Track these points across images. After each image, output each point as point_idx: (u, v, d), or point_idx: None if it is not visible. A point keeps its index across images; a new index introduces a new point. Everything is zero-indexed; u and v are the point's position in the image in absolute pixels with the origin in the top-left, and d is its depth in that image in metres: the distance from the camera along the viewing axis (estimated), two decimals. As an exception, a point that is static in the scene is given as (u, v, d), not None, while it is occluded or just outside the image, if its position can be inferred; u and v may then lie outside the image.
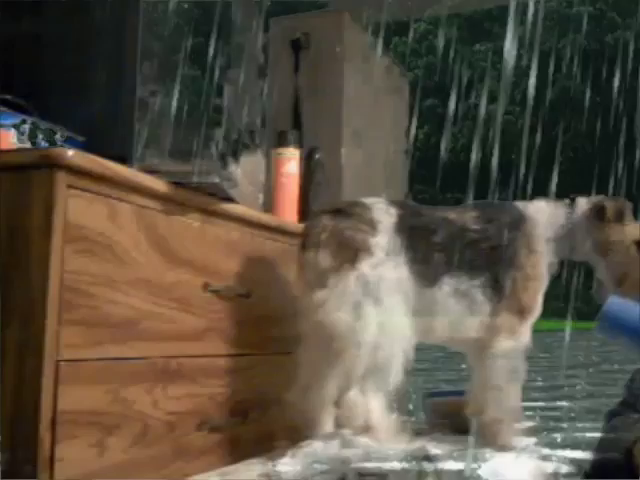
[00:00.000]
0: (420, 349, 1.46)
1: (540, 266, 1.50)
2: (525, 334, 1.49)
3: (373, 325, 1.35)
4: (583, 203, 1.57)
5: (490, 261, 1.47)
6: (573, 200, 1.58)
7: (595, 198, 1.59)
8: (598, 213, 1.55)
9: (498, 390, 1.47)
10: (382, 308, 1.37)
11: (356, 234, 1.38)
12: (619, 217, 1.55)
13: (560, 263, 1.57)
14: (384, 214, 1.42)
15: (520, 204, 1.56)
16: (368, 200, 1.46)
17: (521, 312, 1.48)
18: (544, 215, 1.54)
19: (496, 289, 1.47)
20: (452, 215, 1.49)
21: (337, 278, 1.36)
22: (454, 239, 1.45)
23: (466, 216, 1.49)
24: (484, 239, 1.47)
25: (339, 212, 1.41)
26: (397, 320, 1.38)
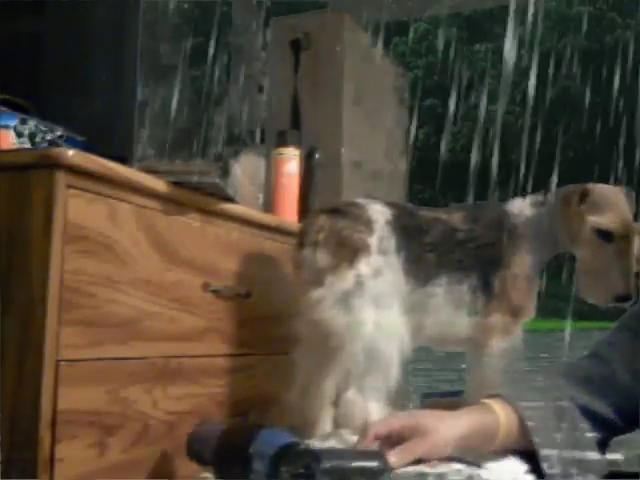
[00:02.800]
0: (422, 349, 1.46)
1: (529, 265, 1.49)
2: (518, 334, 1.49)
3: (370, 324, 1.35)
4: (555, 194, 1.53)
5: (479, 261, 1.47)
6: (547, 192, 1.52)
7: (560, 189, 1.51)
8: (561, 202, 1.48)
9: (493, 390, 1.47)
10: (379, 307, 1.37)
11: (354, 234, 1.39)
12: (567, 202, 1.45)
13: (558, 262, 1.56)
14: (379, 214, 1.43)
15: (503, 203, 1.54)
16: (363, 200, 1.46)
17: (513, 312, 1.48)
18: (527, 212, 1.52)
19: (486, 289, 1.47)
20: (443, 215, 1.49)
21: (334, 277, 1.36)
22: (444, 239, 1.45)
23: (455, 216, 1.49)
24: (471, 239, 1.47)
25: (336, 212, 1.42)
26: (394, 319, 1.38)
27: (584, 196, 1.45)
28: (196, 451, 1.15)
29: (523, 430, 1.16)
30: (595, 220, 1.42)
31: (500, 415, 1.16)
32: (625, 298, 1.39)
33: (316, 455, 1.05)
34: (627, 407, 1.25)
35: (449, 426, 1.11)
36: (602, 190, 1.46)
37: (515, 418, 1.17)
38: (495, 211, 1.52)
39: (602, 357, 1.34)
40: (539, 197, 1.53)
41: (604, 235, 1.41)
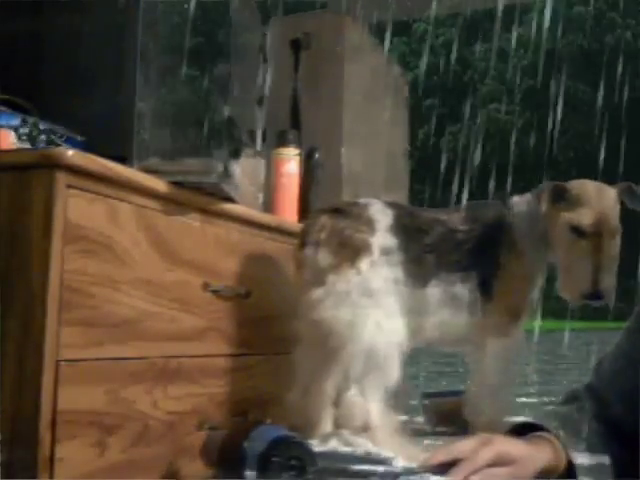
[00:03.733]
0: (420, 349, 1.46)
1: (525, 266, 1.49)
2: (517, 335, 1.49)
3: (371, 324, 1.35)
4: (533, 193, 1.51)
5: (477, 262, 1.46)
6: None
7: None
8: (538, 200, 1.45)
9: (493, 390, 1.47)
10: (380, 308, 1.37)
11: (355, 233, 1.39)
12: (540, 200, 1.42)
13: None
14: (381, 214, 1.43)
15: (502, 202, 1.53)
16: (364, 200, 1.47)
17: (510, 313, 1.47)
18: (523, 210, 1.51)
19: (485, 290, 1.47)
20: (442, 216, 1.49)
21: (336, 277, 1.36)
22: (443, 240, 1.45)
23: (454, 217, 1.49)
24: (470, 239, 1.47)
25: (337, 212, 1.42)
26: (394, 320, 1.38)
27: (562, 193, 1.42)
28: (206, 454, 1.15)
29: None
30: (569, 216, 1.40)
31: (561, 453, 1.17)
32: (593, 296, 1.37)
33: (308, 448, 1.05)
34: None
35: (535, 460, 1.11)
36: (583, 186, 1.43)
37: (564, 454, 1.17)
38: (494, 211, 1.51)
39: (601, 395, 1.32)
40: (534, 194, 1.51)
41: (577, 232, 1.39)
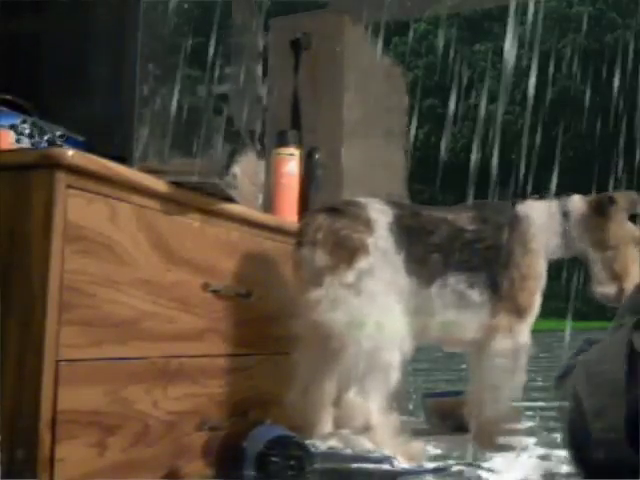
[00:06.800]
0: (419, 349, 1.46)
1: (536, 265, 1.50)
2: (524, 334, 1.49)
3: (370, 325, 1.35)
4: (578, 200, 1.56)
5: (487, 261, 1.47)
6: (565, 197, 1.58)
7: (594, 195, 1.58)
8: (599, 208, 1.54)
9: (496, 390, 1.47)
10: (378, 308, 1.36)
11: (352, 233, 1.38)
12: (632, 209, 1.54)
13: (559, 264, 1.56)
14: (380, 213, 1.42)
15: (515, 204, 1.55)
16: (364, 199, 1.46)
17: (519, 312, 1.48)
18: (539, 214, 1.53)
19: (493, 289, 1.47)
20: (449, 216, 1.49)
21: (333, 277, 1.36)
22: (451, 240, 1.45)
23: (462, 217, 1.49)
24: (480, 239, 1.47)
25: (334, 211, 1.41)
26: (394, 320, 1.38)
27: (636, 203, 1.55)
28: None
29: None
30: None
31: None
32: None
33: (306, 447, 1.05)
34: None
35: None
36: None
37: None
38: (506, 212, 1.52)
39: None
40: (555, 201, 1.56)
41: None
